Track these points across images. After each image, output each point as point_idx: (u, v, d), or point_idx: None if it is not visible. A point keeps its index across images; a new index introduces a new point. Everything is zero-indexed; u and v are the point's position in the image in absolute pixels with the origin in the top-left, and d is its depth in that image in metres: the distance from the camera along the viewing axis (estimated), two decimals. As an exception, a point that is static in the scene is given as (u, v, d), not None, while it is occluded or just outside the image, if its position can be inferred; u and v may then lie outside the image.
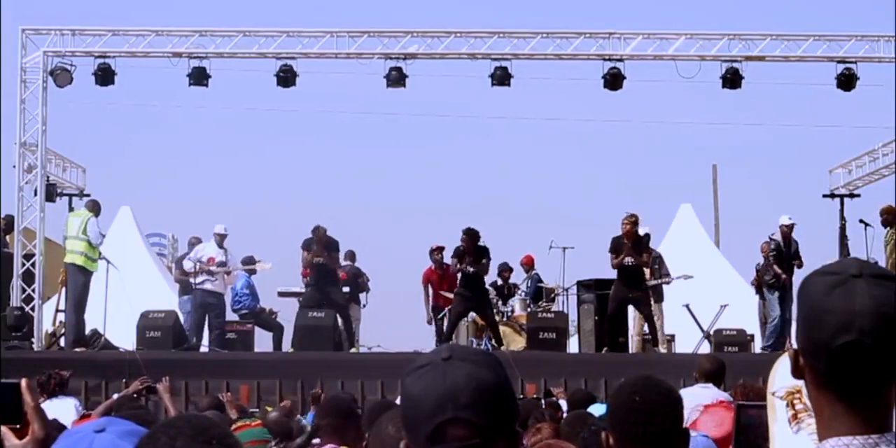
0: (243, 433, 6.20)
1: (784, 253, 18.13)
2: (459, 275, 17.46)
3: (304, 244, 18.23)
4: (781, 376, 3.19)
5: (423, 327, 19.64)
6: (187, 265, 18.42)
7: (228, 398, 11.16)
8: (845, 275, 2.11)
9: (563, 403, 10.66)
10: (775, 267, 18.14)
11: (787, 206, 41.86)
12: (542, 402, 11.49)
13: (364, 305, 19.58)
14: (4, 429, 2.66)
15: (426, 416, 2.23)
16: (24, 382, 2.65)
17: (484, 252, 17.44)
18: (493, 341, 17.94)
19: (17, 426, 2.66)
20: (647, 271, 17.93)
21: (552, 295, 20.58)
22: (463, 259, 17.29)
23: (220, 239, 18.40)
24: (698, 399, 8.16)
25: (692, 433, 5.40)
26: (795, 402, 3.15)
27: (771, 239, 18.40)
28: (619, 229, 17.31)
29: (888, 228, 18.07)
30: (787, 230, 18.23)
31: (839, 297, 2.08)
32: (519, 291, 20.32)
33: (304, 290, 18.80)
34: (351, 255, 19.67)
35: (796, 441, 3.13)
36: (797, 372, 2.17)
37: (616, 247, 17.16)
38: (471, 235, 17.33)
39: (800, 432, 3.12)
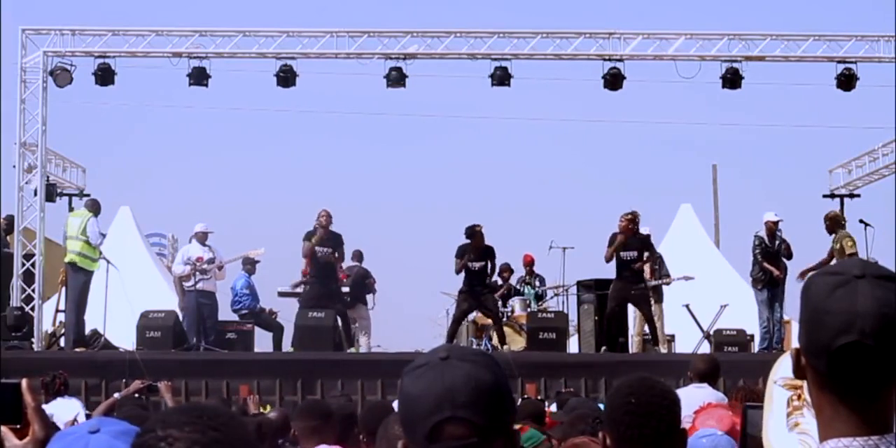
0: (525, 435, 6.05)
1: (770, 249, 17.96)
2: (463, 273, 17.40)
3: (307, 236, 18.11)
4: (786, 368, 3.19)
5: (423, 328, 19.59)
6: (180, 269, 18.39)
7: (254, 400, 11.11)
8: (848, 275, 2.10)
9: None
10: (765, 264, 17.94)
11: (788, 207, 41.92)
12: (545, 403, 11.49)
13: (372, 307, 19.39)
14: (5, 429, 2.66)
15: (424, 415, 2.24)
16: (24, 382, 2.65)
17: (490, 251, 17.41)
18: (496, 340, 17.93)
19: (18, 426, 2.66)
20: (647, 271, 17.92)
21: (547, 294, 20.65)
22: (465, 256, 17.24)
23: (203, 237, 18.40)
24: (691, 403, 8.16)
25: (717, 432, 5.38)
26: (793, 398, 3.15)
27: (756, 236, 18.22)
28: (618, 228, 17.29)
29: (832, 235, 18.08)
30: (773, 226, 18.05)
31: (841, 298, 2.08)
32: (535, 289, 20.39)
33: (303, 289, 18.75)
34: (358, 256, 19.47)
35: (788, 433, 3.13)
36: (799, 372, 2.17)
37: (613, 242, 17.12)
38: (482, 233, 17.28)
39: (791, 427, 3.13)
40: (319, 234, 17.75)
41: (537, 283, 20.63)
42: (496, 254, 17.57)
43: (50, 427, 2.64)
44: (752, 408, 3.71)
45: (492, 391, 2.27)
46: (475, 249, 17.21)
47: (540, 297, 20.46)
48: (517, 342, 18.39)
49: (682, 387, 9.35)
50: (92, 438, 2.43)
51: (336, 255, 18.00)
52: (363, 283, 19.12)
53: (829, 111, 55.33)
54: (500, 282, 19.93)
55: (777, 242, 17.99)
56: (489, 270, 17.57)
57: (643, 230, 17.75)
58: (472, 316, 18.71)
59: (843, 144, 44.72)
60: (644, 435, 3.53)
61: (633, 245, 17.03)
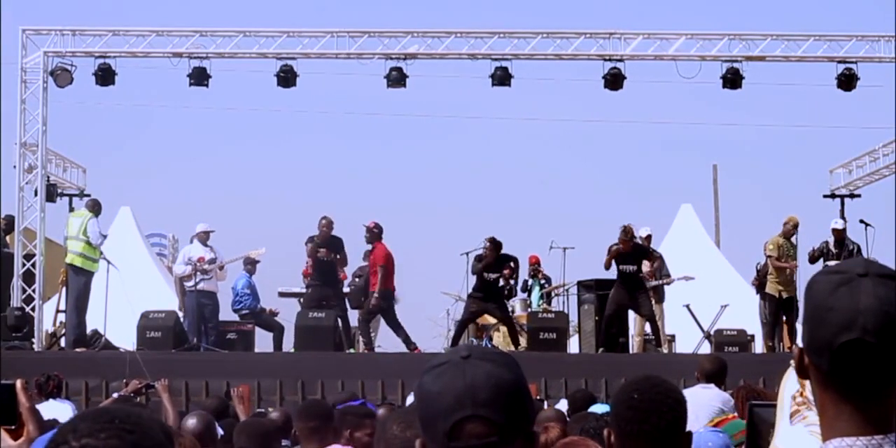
0: (729, 425, 6.01)
1: (834, 255, 18.12)
2: (477, 279, 17.45)
3: (309, 240, 18.16)
4: (793, 382, 3.18)
5: (422, 328, 19.58)
6: (181, 269, 18.40)
7: (239, 394, 11.02)
8: (851, 274, 2.10)
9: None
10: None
11: (788, 207, 41.92)
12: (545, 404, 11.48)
13: None
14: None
15: (445, 413, 2.24)
16: (18, 383, 2.64)
17: (506, 259, 17.42)
18: (499, 340, 17.94)
19: (13, 427, 2.65)
20: (646, 269, 17.93)
21: (550, 295, 20.67)
22: (484, 268, 17.29)
23: (205, 237, 18.42)
24: (698, 403, 8.15)
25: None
26: (795, 395, 3.15)
27: (824, 242, 18.49)
28: (618, 233, 17.30)
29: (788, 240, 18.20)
30: (840, 233, 18.35)
31: (843, 296, 2.07)
32: (543, 289, 20.43)
33: (304, 291, 18.75)
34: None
35: (795, 437, 3.12)
36: (802, 371, 2.16)
37: (612, 252, 17.18)
38: (496, 245, 17.32)
39: (797, 425, 3.13)
40: (321, 235, 17.77)
41: (544, 283, 20.67)
42: (516, 259, 17.60)
43: (44, 428, 2.62)
44: (757, 406, 3.71)
45: (512, 391, 2.27)
46: (491, 260, 17.27)
47: (549, 296, 20.50)
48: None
49: (686, 387, 9.37)
50: None
51: (338, 257, 18.00)
52: None
53: (829, 111, 55.29)
54: (501, 282, 19.95)
55: (852, 248, 18.27)
56: (501, 281, 17.60)
57: (643, 231, 17.78)
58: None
59: (843, 144, 44.77)
60: (644, 431, 3.52)
61: (631, 258, 17.07)
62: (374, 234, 18.11)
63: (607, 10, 54.00)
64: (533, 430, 2.31)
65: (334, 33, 19.54)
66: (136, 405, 9.99)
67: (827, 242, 18.35)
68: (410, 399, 9.53)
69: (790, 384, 3.24)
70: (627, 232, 17.11)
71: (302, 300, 18.70)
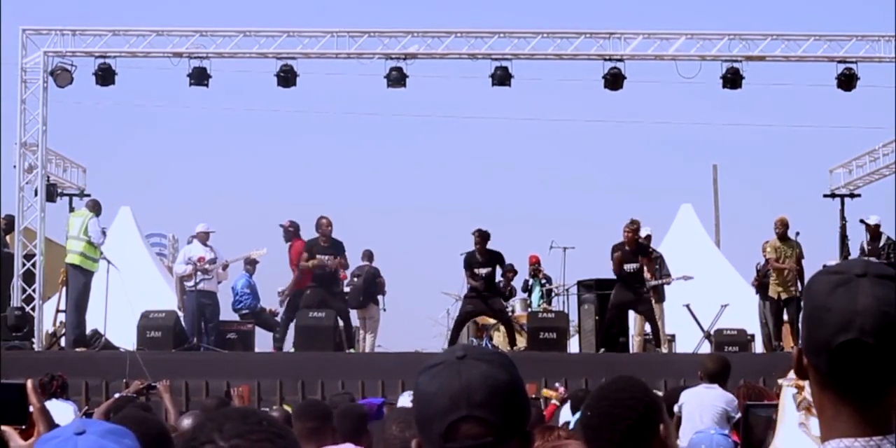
0: None
1: (868, 251, 18.18)
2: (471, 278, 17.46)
3: (308, 246, 18.11)
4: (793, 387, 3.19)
5: (422, 328, 19.57)
6: (181, 269, 18.41)
7: (239, 394, 11.04)
8: (849, 274, 2.10)
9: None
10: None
11: (787, 207, 41.93)
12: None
13: (384, 309, 19.27)
14: (9, 429, 2.65)
15: (440, 414, 2.25)
16: (29, 383, 2.64)
17: (496, 256, 17.41)
18: (499, 340, 17.94)
19: (23, 427, 2.65)
20: (647, 272, 17.95)
21: (551, 294, 20.68)
22: (474, 264, 17.27)
23: (205, 237, 18.43)
24: (701, 402, 8.17)
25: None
26: (796, 395, 3.15)
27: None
28: (621, 234, 17.31)
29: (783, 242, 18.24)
30: (874, 229, 18.40)
31: (841, 296, 2.08)
32: (543, 288, 20.46)
33: (305, 293, 18.71)
34: (368, 255, 19.37)
35: (796, 439, 3.13)
36: (801, 371, 2.16)
37: (617, 252, 17.18)
38: (483, 236, 17.31)
39: (804, 428, 3.13)
40: (316, 262, 17.76)
41: (544, 283, 20.68)
42: (503, 258, 17.59)
43: (54, 428, 2.62)
44: (753, 407, 3.73)
45: (508, 391, 2.28)
46: (480, 255, 17.26)
47: (549, 295, 20.52)
48: (517, 342, 18.40)
49: (687, 386, 9.38)
50: (80, 440, 2.39)
51: (340, 261, 17.98)
52: (374, 283, 19.03)
53: (829, 111, 55.27)
54: (502, 282, 19.96)
55: (887, 243, 18.34)
56: (495, 275, 17.59)
57: (644, 231, 17.80)
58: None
59: (843, 144, 44.74)
60: (598, 445, 3.49)
61: (634, 257, 17.11)
62: (291, 232, 18.60)
63: (607, 10, 53.98)
64: (529, 430, 2.32)
65: (334, 33, 19.54)
66: (140, 406, 10.00)
67: (863, 240, 18.48)
68: (402, 399, 9.52)
69: (790, 390, 3.25)
70: (634, 223, 17.17)
71: (301, 301, 18.66)
